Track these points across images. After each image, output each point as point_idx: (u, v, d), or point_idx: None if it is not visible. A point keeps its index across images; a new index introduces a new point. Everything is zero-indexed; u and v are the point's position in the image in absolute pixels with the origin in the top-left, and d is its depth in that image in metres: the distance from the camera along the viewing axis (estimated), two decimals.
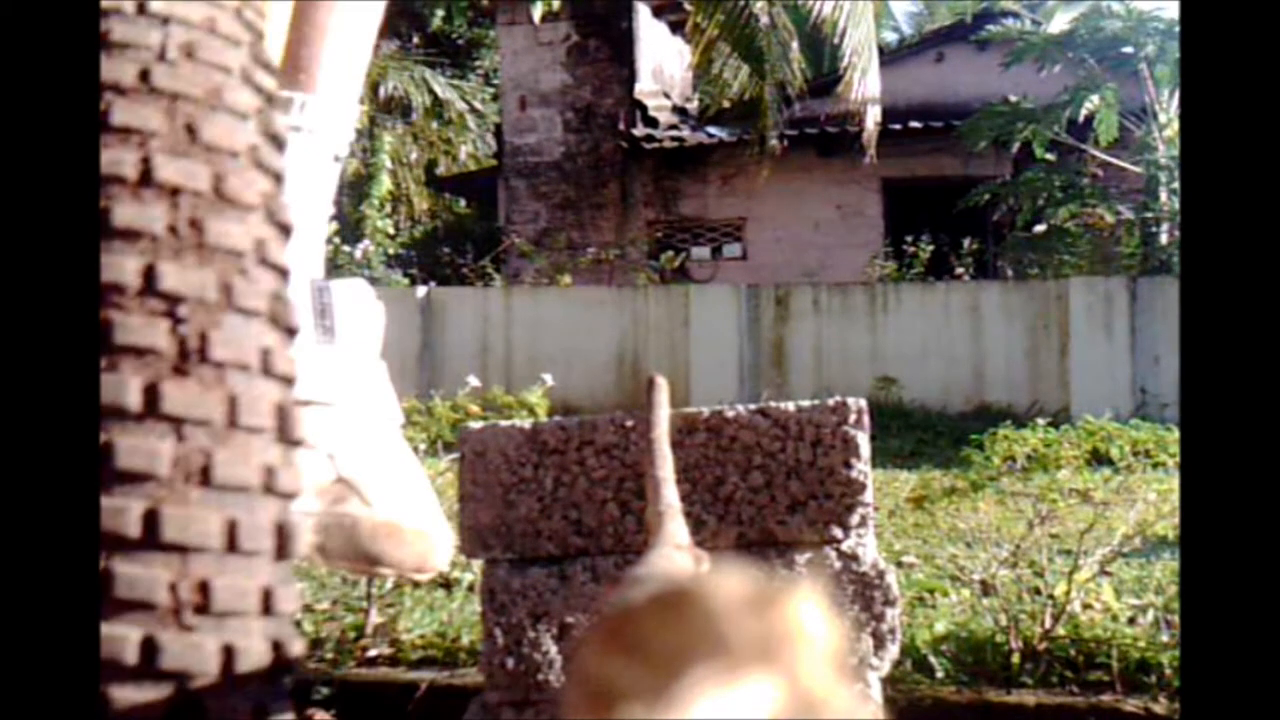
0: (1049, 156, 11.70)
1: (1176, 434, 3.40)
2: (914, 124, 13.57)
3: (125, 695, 0.78)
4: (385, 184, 16.32)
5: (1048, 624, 3.48)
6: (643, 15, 14.88)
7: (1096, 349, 10.16)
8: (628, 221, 14.60)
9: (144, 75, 0.82)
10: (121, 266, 0.80)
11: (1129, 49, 11.60)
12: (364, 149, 16.03)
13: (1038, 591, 3.69)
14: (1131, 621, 3.65)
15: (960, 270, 11.88)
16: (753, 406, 2.25)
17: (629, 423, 2.17)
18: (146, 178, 0.81)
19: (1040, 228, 12.14)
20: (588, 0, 14.52)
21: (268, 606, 0.83)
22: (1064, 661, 3.41)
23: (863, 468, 2.23)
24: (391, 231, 15.98)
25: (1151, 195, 11.36)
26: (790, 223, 14.24)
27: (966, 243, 12.02)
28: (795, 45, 12.52)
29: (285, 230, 0.88)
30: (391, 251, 15.12)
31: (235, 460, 0.81)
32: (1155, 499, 4.10)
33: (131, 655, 0.78)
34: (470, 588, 4.09)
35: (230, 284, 0.82)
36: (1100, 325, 10.22)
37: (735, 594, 0.43)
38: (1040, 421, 3.95)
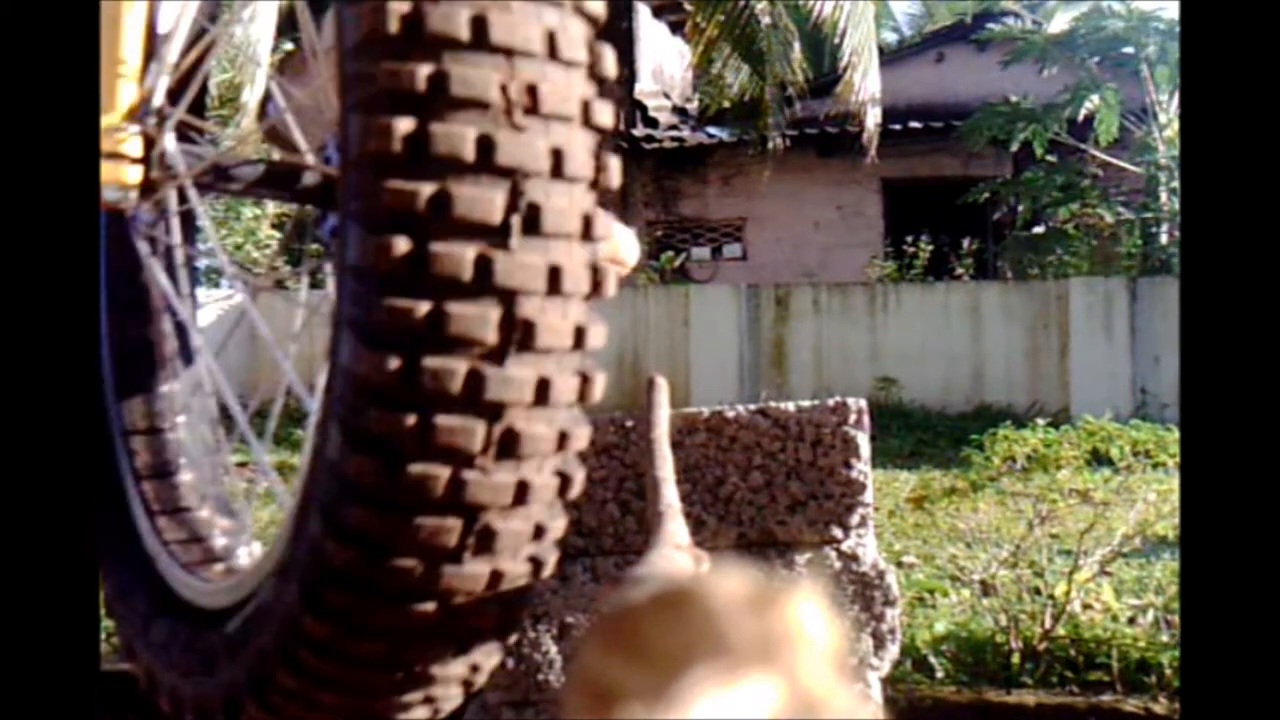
0: (1049, 157, 11.69)
1: (1176, 434, 3.39)
2: (914, 124, 13.57)
3: (464, 192, 0.83)
4: None
5: (1048, 624, 3.48)
6: (643, 15, 14.87)
7: (1096, 349, 10.15)
8: (627, 221, 14.56)
9: None
10: None
11: (1129, 49, 11.59)
12: None
13: (1038, 591, 3.69)
14: (1131, 621, 3.65)
15: (960, 270, 11.87)
16: (753, 406, 2.25)
17: (629, 423, 2.17)
18: None
19: (1040, 228, 12.13)
20: None
21: (587, 116, 0.91)
22: (1064, 661, 3.41)
23: (863, 468, 2.23)
24: None
25: (1151, 195, 11.35)
26: (790, 223, 14.23)
27: (966, 243, 12.01)
28: (796, 45, 12.51)
29: None
30: None
31: None
32: (1155, 499, 4.10)
33: (469, 152, 0.82)
34: None
35: None
36: (1100, 325, 10.21)
37: (735, 594, 0.43)
38: (1040, 421, 3.93)
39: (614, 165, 0.92)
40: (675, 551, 1.05)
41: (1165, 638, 3.44)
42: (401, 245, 0.81)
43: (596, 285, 0.91)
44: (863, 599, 2.19)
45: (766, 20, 12.13)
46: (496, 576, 0.89)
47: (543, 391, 0.86)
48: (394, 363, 0.82)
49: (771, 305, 11.10)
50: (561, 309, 0.88)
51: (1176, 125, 10.60)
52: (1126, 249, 11.48)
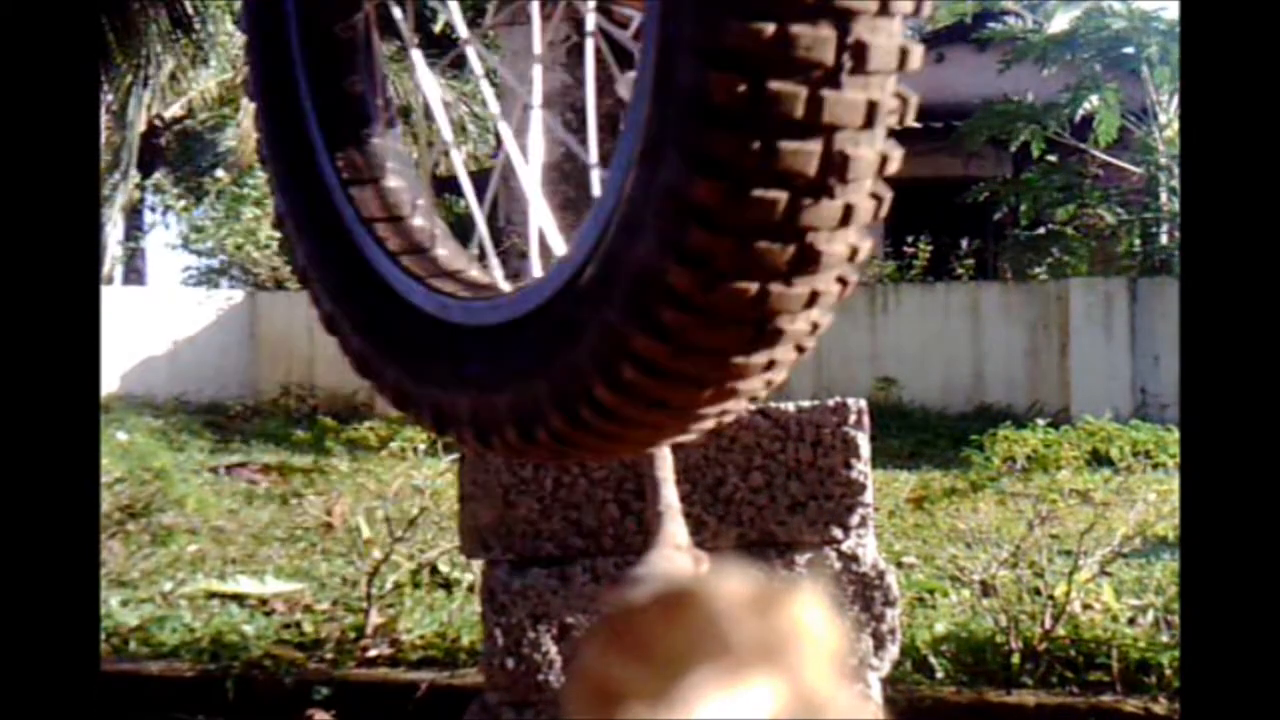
0: (1049, 157, 11.69)
1: (1176, 434, 3.39)
2: (914, 124, 13.53)
3: None
4: None
5: (1048, 624, 3.48)
6: None
7: (1096, 349, 10.16)
8: None
9: None
10: None
11: (1129, 49, 11.59)
12: None
13: (1038, 591, 3.69)
14: (1131, 621, 3.65)
15: (960, 270, 11.87)
16: (752, 407, 2.25)
17: None
18: None
19: (1040, 228, 12.13)
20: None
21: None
22: (1064, 661, 3.41)
23: (863, 468, 2.23)
24: None
25: (1151, 195, 11.35)
26: None
27: (966, 243, 12.00)
28: None
29: None
30: None
31: None
32: (1155, 499, 4.10)
33: None
34: (470, 588, 4.09)
35: None
36: (1100, 325, 10.21)
37: (736, 595, 0.43)
38: (1040, 422, 3.93)
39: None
40: (675, 552, 1.05)
41: (1165, 638, 3.44)
42: None
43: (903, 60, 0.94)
44: (863, 599, 2.19)
45: None
46: (814, 295, 0.93)
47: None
48: (741, 85, 0.83)
49: None
50: (863, 83, 0.91)
51: (1176, 125, 10.60)
52: (1126, 249, 11.48)
